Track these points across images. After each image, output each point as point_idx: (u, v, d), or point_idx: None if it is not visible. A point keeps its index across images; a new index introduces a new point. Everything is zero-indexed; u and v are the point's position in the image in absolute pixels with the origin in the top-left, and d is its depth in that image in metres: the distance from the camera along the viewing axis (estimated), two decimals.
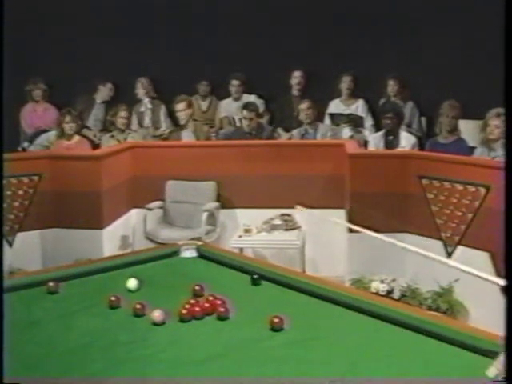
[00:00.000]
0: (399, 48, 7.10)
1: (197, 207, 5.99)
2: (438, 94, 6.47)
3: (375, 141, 6.19)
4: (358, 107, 7.35)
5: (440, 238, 4.92)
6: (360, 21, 7.28)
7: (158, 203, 6.16)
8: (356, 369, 2.15)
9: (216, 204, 6.07)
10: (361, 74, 7.30)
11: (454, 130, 5.98)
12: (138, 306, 2.64)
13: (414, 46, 7.05)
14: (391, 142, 6.07)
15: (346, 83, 7.40)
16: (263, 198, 6.01)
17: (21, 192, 5.41)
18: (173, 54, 7.80)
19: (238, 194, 6.10)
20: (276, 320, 2.46)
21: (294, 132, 6.92)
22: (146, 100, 7.71)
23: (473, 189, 4.68)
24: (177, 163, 6.21)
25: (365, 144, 6.50)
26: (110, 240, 5.64)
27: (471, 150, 5.78)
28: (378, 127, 6.94)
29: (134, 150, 6.30)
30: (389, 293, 4.67)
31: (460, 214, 4.78)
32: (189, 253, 3.38)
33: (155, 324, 2.54)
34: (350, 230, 5.26)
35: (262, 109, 7.36)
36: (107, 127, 7.14)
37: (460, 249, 4.80)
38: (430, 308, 4.50)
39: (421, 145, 6.27)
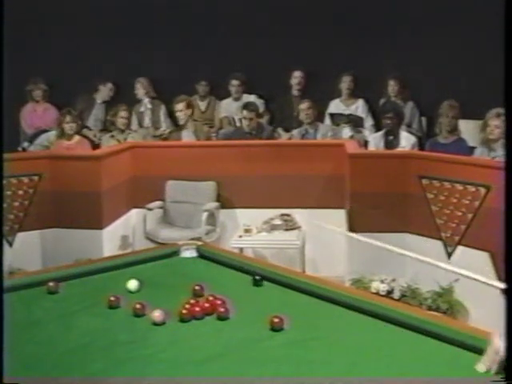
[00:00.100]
0: (399, 48, 7.10)
1: (197, 207, 5.99)
2: (437, 93, 6.47)
3: (375, 141, 6.19)
4: (358, 107, 7.35)
5: (440, 238, 4.92)
6: (360, 21, 7.28)
7: (157, 203, 6.16)
8: (356, 369, 2.15)
9: (216, 204, 6.07)
10: (361, 74, 7.30)
11: (453, 130, 5.98)
12: (138, 306, 2.64)
13: (414, 46, 7.05)
14: (391, 141, 6.07)
15: (345, 83, 7.40)
16: (263, 198, 6.01)
17: (21, 192, 5.41)
18: (173, 54, 7.80)
19: (238, 194, 6.10)
20: (276, 320, 2.46)
21: (294, 132, 6.92)
22: (146, 100, 7.71)
23: (473, 189, 4.68)
24: (177, 163, 6.21)
25: (365, 144, 6.50)
26: (109, 240, 5.64)
27: (471, 149, 5.78)
28: (378, 127, 6.94)
29: (134, 149, 6.30)
30: (389, 293, 4.67)
31: (460, 213, 4.78)
32: (189, 253, 3.38)
33: (155, 324, 2.54)
34: (350, 231, 5.26)
35: (262, 109, 7.36)
36: (107, 127, 7.14)
37: (460, 249, 4.80)
38: (429, 308, 4.50)
39: (421, 145, 6.27)
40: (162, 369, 2.20)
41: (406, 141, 6.03)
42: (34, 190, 5.47)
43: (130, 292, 2.85)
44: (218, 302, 2.64)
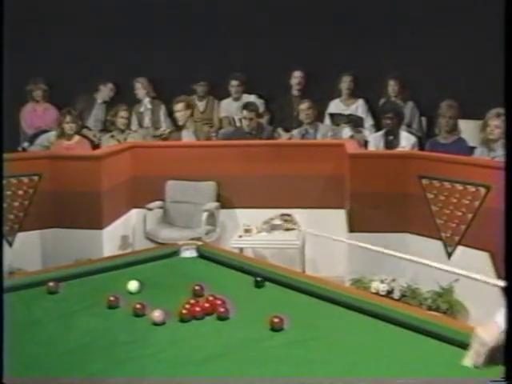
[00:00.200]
0: (399, 48, 7.10)
1: (197, 207, 5.99)
2: (437, 93, 6.47)
3: (375, 141, 6.20)
4: (358, 107, 7.35)
5: (440, 238, 4.93)
6: (360, 21, 7.28)
7: (158, 203, 6.16)
8: (356, 369, 2.15)
9: (216, 204, 6.07)
10: (361, 74, 7.30)
11: (453, 130, 5.98)
12: (138, 306, 2.64)
13: (414, 45, 7.05)
14: (391, 141, 6.07)
15: (346, 83, 7.40)
16: (263, 198, 6.01)
17: (21, 192, 5.41)
18: (173, 53, 7.80)
19: (238, 194, 6.10)
20: (276, 320, 2.46)
21: (295, 132, 6.92)
22: (146, 100, 7.71)
23: (473, 189, 4.68)
24: (177, 163, 6.21)
25: (365, 144, 6.50)
26: (110, 240, 5.65)
27: (471, 149, 5.78)
28: (378, 127, 6.94)
29: (134, 149, 6.30)
30: (389, 293, 4.67)
31: (460, 213, 4.78)
32: (189, 253, 3.38)
33: (155, 324, 2.54)
34: (350, 231, 5.27)
35: (262, 109, 7.36)
36: (107, 127, 7.15)
37: (460, 249, 4.80)
38: (429, 308, 4.50)
39: (421, 145, 6.27)
40: (162, 369, 2.19)
41: (406, 141, 6.03)
42: (34, 189, 5.47)
43: (131, 293, 2.85)
44: (218, 302, 2.64)
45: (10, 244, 5.34)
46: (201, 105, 7.72)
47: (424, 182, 5.02)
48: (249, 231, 5.71)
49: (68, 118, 6.36)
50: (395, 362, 2.19)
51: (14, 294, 2.81)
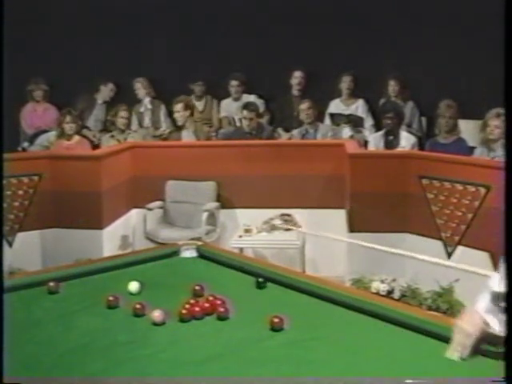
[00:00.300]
0: (399, 48, 7.10)
1: (197, 207, 5.99)
2: (437, 93, 6.47)
3: (375, 141, 6.20)
4: (358, 107, 7.35)
5: (440, 238, 4.93)
6: (360, 21, 7.28)
7: (158, 203, 6.16)
8: (356, 369, 2.15)
9: (216, 204, 6.07)
10: (361, 74, 7.30)
11: (452, 129, 5.98)
12: (138, 306, 2.64)
13: (414, 46, 7.05)
14: (391, 141, 6.07)
15: (346, 83, 7.40)
16: (263, 198, 6.01)
17: (21, 192, 5.41)
18: (173, 53, 7.81)
19: (238, 194, 6.10)
20: (276, 320, 2.46)
21: (295, 132, 6.93)
22: (147, 100, 7.71)
23: (473, 189, 4.68)
24: (177, 163, 6.21)
25: (365, 144, 6.50)
26: (110, 240, 5.65)
27: (471, 149, 5.78)
28: (378, 127, 6.94)
29: (134, 149, 6.30)
30: (389, 293, 4.67)
31: (460, 213, 4.78)
32: (189, 253, 3.38)
33: (155, 324, 2.54)
34: (351, 231, 5.27)
35: (262, 109, 7.36)
36: (107, 127, 7.15)
37: (460, 249, 4.80)
38: (429, 308, 4.50)
39: (421, 145, 6.28)
40: (162, 369, 2.19)
41: (406, 141, 6.03)
42: (34, 190, 5.47)
43: (131, 294, 2.84)
44: (218, 302, 2.64)
45: (10, 244, 5.34)
46: (199, 104, 7.72)
47: (424, 181, 5.02)
48: (249, 231, 5.71)
49: (68, 118, 6.36)
50: (395, 362, 2.19)
51: (14, 293, 2.81)
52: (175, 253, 3.39)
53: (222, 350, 2.31)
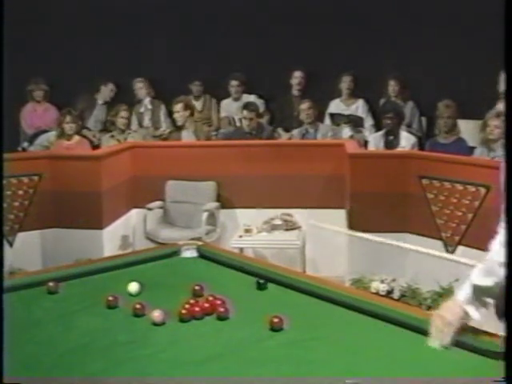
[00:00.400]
0: (399, 48, 7.10)
1: (197, 207, 5.99)
2: (437, 93, 6.47)
3: (375, 141, 6.20)
4: (358, 107, 7.35)
5: (440, 238, 4.93)
6: (360, 21, 7.28)
7: (158, 203, 6.15)
8: (356, 369, 2.15)
9: (216, 204, 6.07)
10: (361, 74, 7.30)
11: (452, 129, 5.99)
12: (138, 306, 2.64)
13: (414, 46, 7.05)
14: (391, 141, 6.07)
15: (346, 83, 7.41)
16: (263, 198, 6.00)
17: (21, 192, 5.42)
18: (173, 53, 7.81)
19: (238, 194, 6.10)
20: (276, 320, 2.46)
21: (295, 132, 6.93)
22: (147, 100, 7.71)
23: (473, 189, 4.68)
24: (177, 163, 6.21)
25: (365, 144, 6.50)
26: (110, 240, 5.65)
27: (471, 149, 5.78)
28: (378, 127, 6.94)
29: (134, 149, 6.30)
30: (389, 293, 4.67)
31: (460, 213, 4.78)
32: (189, 253, 3.38)
33: (155, 324, 2.54)
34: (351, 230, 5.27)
35: (262, 109, 7.36)
36: (107, 127, 7.14)
37: (460, 249, 4.80)
38: (429, 308, 4.49)
39: (421, 145, 6.28)
40: (162, 369, 2.19)
41: (406, 141, 6.04)
42: (34, 190, 5.47)
43: (131, 295, 2.84)
44: (218, 302, 2.64)
45: (11, 244, 5.34)
46: (198, 104, 7.72)
47: (424, 181, 5.02)
48: (249, 231, 5.71)
49: (68, 118, 6.36)
50: (395, 361, 2.19)
51: (14, 293, 2.81)
52: (175, 253, 3.39)
53: (222, 350, 2.31)
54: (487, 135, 5.44)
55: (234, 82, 7.61)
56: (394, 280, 4.76)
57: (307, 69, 7.51)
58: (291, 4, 7.49)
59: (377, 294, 4.50)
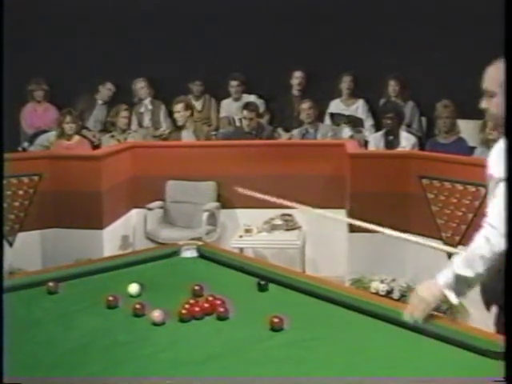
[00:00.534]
0: (399, 48, 7.10)
1: (197, 207, 5.99)
2: (437, 93, 6.47)
3: (375, 141, 6.20)
4: (359, 107, 7.35)
5: (440, 238, 4.92)
6: (360, 21, 7.28)
7: (158, 203, 6.16)
8: (356, 369, 2.15)
9: (216, 204, 6.07)
10: (361, 74, 7.30)
11: (451, 129, 5.99)
12: (138, 306, 2.64)
13: (414, 46, 7.05)
14: (391, 141, 6.07)
15: (346, 83, 7.41)
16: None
17: (21, 192, 5.41)
18: (173, 53, 7.80)
19: (238, 193, 6.08)
20: (276, 320, 2.46)
21: (295, 132, 6.93)
22: (147, 100, 7.71)
23: (473, 189, 4.68)
24: (177, 163, 6.21)
25: (365, 144, 6.50)
26: (110, 240, 5.64)
27: (471, 149, 5.78)
28: (378, 127, 6.94)
29: (134, 149, 6.30)
30: (389, 293, 4.67)
31: (460, 213, 4.78)
32: (189, 253, 3.38)
33: (155, 324, 2.54)
34: (351, 231, 5.26)
35: (262, 109, 7.36)
36: (107, 128, 7.14)
37: (461, 249, 4.79)
38: None
39: (421, 145, 6.28)
40: (162, 369, 2.19)
41: (406, 141, 6.04)
42: (34, 189, 5.47)
43: (131, 296, 2.84)
44: (218, 302, 2.64)
45: (11, 244, 5.34)
46: (198, 104, 7.72)
47: (424, 181, 5.02)
48: (249, 231, 5.71)
49: (68, 118, 6.36)
50: (395, 361, 2.19)
51: (14, 293, 2.81)
52: (175, 253, 3.39)
53: (222, 350, 2.31)
54: (487, 135, 5.44)
55: (233, 82, 7.61)
56: (393, 280, 4.76)
57: (307, 69, 7.51)
58: (291, 4, 7.49)
59: (377, 293, 4.50)
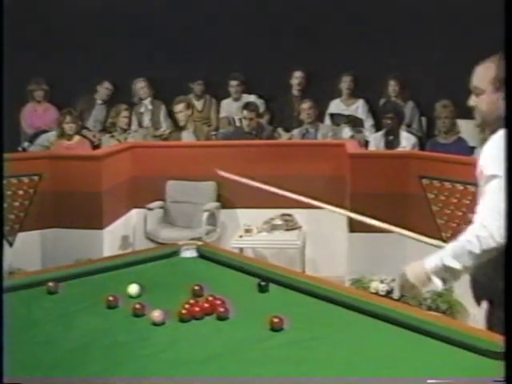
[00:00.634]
0: (399, 48, 7.10)
1: (197, 207, 5.99)
2: (438, 93, 6.47)
3: (376, 141, 6.20)
4: (359, 107, 7.35)
5: (441, 238, 4.91)
6: (360, 21, 7.28)
7: (158, 203, 6.16)
8: (356, 369, 2.15)
9: (216, 204, 6.07)
10: (361, 74, 7.30)
11: (451, 129, 6.00)
12: (138, 306, 2.64)
13: (414, 46, 7.05)
14: (391, 141, 6.07)
15: (346, 83, 7.41)
16: (263, 198, 5.98)
17: (21, 192, 5.41)
18: (173, 53, 7.80)
19: (238, 194, 6.09)
20: (276, 320, 2.46)
21: (295, 132, 6.93)
22: (147, 100, 7.71)
23: (473, 189, 4.66)
24: (177, 163, 6.21)
25: (365, 144, 6.50)
26: (110, 240, 5.65)
27: (471, 149, 5.78)
28: (378, 127, 6.94)
29: (134, 149, 6.30)
30: (388, 293, 4.67)
31: (461, 214, 4.78)
32: (189, 253, 3.37)
33: (155, 324, 2.53)
34: (351, 231, 5.26)
35: (262, 109, 7.36)
36: (107, 128, 7.14)
37: None
38: (429, 308, 4.50)
39: (421, 145, 6.28)
40: (162, 369, 2.19)
41: (407, 141, 6.04)
42: (34, 189, 5.47)
43: (131, 297, 2.84)
44: (218, 302, 2.64)
45: (11, 244, 5.34)
46: (198, 104, 7.72)
47: (424, 182, 5.02)
48: (249, 231, 5.71)
49: (68, 119, 6.36)
50: (395, 361, 2.19)
51: (14, 293, 2.80)
52: (175, 253, 3.38)
53: (222, 350, 2.31)
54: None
55: (233, 82, 7.61)
56: (393, 280, 4.75)
57: (307, 69, 7.51)
58: (291, 4, 7.49)
59: (376, 293, 4.50)
